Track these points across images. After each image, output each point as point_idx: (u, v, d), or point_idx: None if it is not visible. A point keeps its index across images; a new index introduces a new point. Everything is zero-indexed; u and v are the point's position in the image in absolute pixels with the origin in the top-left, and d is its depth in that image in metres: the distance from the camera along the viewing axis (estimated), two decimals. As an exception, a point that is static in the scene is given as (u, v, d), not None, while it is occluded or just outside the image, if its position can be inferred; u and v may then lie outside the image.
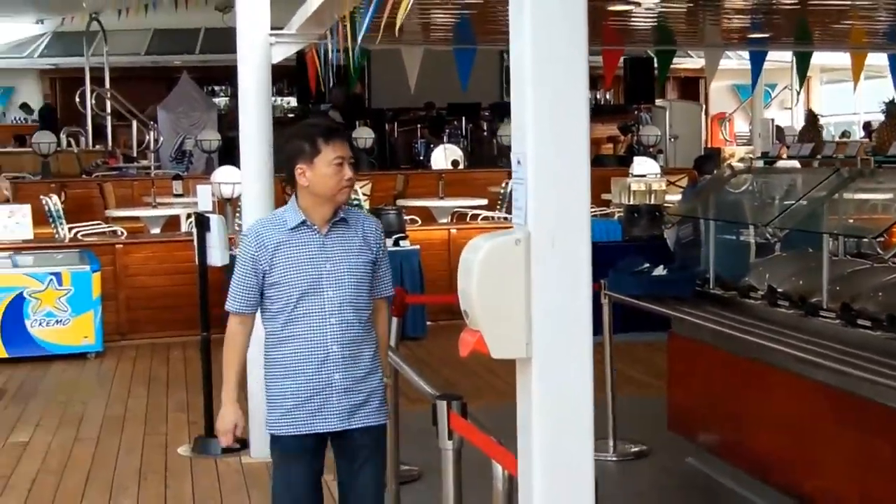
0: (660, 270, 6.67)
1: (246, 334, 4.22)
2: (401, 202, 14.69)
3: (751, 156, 19.12)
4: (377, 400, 4.23)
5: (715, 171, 12.75)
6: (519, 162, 2.51)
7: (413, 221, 12.30)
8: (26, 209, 11.41)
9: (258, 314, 4.26)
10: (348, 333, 4.12)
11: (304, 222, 4.11)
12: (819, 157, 6.53)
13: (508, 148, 13.77)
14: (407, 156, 21.26)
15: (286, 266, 4.09)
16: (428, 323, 11.01)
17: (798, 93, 21.50)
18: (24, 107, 24.77)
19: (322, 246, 4.12)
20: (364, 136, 18.01)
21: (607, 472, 6.77)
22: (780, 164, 8.18)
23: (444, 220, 14.16)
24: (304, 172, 4.09)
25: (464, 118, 21.42)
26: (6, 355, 10.02)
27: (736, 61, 19.35)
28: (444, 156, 18.35)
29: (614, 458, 6.91)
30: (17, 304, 10.03)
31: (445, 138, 20.28)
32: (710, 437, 6.39)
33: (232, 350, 4.21)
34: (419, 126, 21.51)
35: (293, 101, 23.71)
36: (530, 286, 2.47)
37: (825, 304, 5.45)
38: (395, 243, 10.64)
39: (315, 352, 4.11)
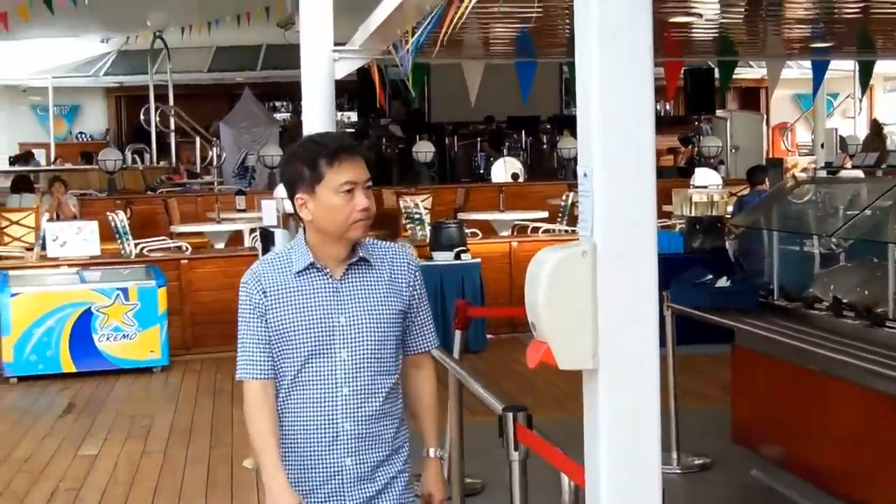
0: (723, 282, 6.64)
1: (272, 399, 3.27)
2: (461, 215, 14.72)
3: (814, 166, 18.95)
4: (401, 484, 3.35)
5: (766, 182, 12.69)
6: (585, 174, 2.52)
7: (474, 235, 12.33)
8: (93, 225, 11.57)
9: None
10: (365, 407, 3.24)
11: (312, 264, 3.24)
12: (884, 166, 6.48)
13: (568, 160, 13.82)
14: (467, 169, 21.30)
15: (289, 319, 3.22)
16: (488, 336, 11.03)
17: (861, 102, 21.28)
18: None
19: (335, 294, 3.24)
20: (424, 149, 18.07)
21: (672, 484, 6.74)
22: (844, 173, 8.14)
23: (505, 233, 14.16)
24: (304, 204, 3.21)
25: (523, 131, 21.42)
26: (74, 370, 10.17)
27: (797, 70, 19.16)
28: (504, 169, 18.36)
29: (678, 471, 6.88)
30: (85, 319, 10.18)
31: (505, 151, 20.30)
32: (775, 449, 6.34)
33: (260, 420, 3.25)
34: (479, 139, 21.53)
35: (354, 116, 23.86)
36: (596, 298, 2.49)
37: (891, 315, 5.40)
38: (457, 256, 10.67)
39: (321, 430, 3.25)
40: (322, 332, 3.21)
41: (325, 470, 3.26)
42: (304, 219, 3.25)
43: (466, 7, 3.90)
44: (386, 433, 3.30)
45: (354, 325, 3.23)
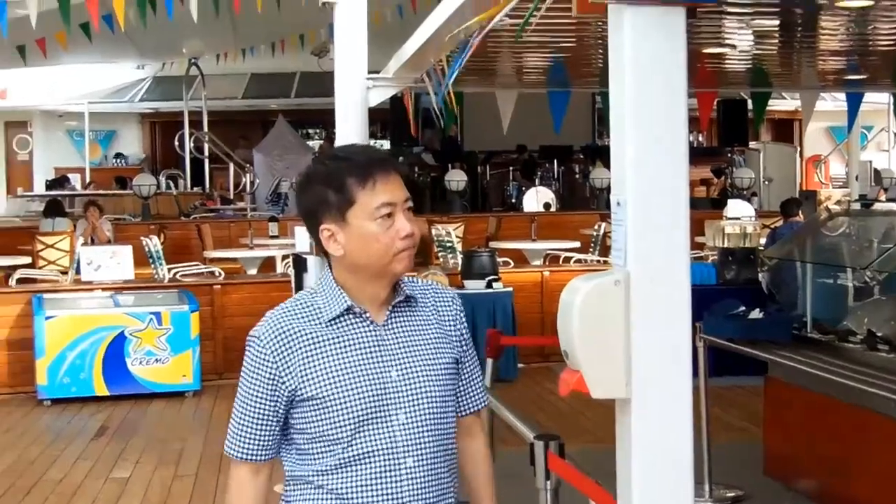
0: (756, 313, 6.62)
1: (263, 489, 2.67)
2: (493, 244, 14.73)
3: (848, 198, 18.85)
4: None
5: (800, 214, 12.64)
6: (619, 203, 2.53)
7: (506, 263, 12.33)
8: (127, 250, 11.65)
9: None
10: (433, 481, 2.60)
11: (349, 309, 2.59)
12: (919, 199, 6.47)
13: (600, 190, 13.84)
14: (499, 198, 21.30)
15: (329, 381, 2.54)
16: (519, 365, 11.01)
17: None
18: (119, 156, 25.40)
19: (381, 343, 2.60)
20: (457, 178, 18.11)
21: (703, 516, 6.70)
22: (878, 206, 8.10)
23: (537, 263, 14.16)
24: (332, 235, 2.58)
25: (556, 160, 21.43)
26: (107, 393, 10.22)
27: (831, 103, 19.13)
28: (537, 198, 18.37)
29: (710, 503, 6.84)
30: (119, 342, 10.24)
31: (537, 181, 20.31)
32: (808, 482, 6.30)
33: None
34: (511, 168, 21.55)
35: (386, 145, 23.94)
36: (630, 327, 2.49)
37: (926, 349, 5.37)
38: (488, 285, 10.67)
39: None
40: (373, 392, 2.54)
41: None
42: (332, 254, 2.61)
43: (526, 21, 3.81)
44: None
45: (410, 379, 2.58)
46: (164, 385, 10.38)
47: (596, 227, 14.87)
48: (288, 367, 2.55)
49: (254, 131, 23.96)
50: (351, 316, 2.60)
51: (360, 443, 2.54)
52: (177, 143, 21.71)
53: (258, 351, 2.58)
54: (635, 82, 2.50)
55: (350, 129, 7.22)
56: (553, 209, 18.15)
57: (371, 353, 2.58)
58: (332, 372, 2.54)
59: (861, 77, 9.34)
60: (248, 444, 2.61)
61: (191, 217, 17.91)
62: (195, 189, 21.87)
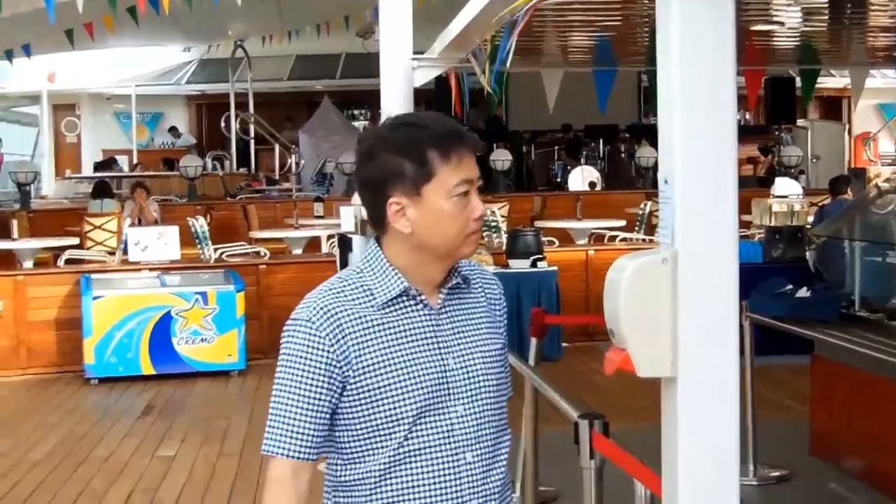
0: (803, 292, 6.57)
1: (305, 495, 2.40)
2: (538, 223, 14.70)
3: (897, 176, 18.65)
4: None
5: (849, 192, 12.52)
6: (666, 181, 2.51)
7: (551, 243, 12.30)
8: (174, 230, 11.73)
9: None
10: (492, 476, 2.44)
11: (405, 291, 2.39)
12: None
13: (646, 169, 13.79)
14: (544, 177, 21.26)
15: (385, 370, 2.32)
16: (564, 344, 11.00)
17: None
18: (173, 130, 25.53)
19: (436, 329, 2.40)
20: (502, 157, 18.08)
21: (748, 496, 6.66)
22: (928, 184, 8.01)
23: (582, 242, 14.12)
24: (402, 210, 2.34)
25: (601, 140, 21.34)
26: (154, 372, 10.33)
27: (880, 80, 18.92)
28: (582, 177, 18.31)
29: (755, 483, 6.80)
30: (165, 322, 10.33)
31: (583, 160, 20.24)
32: (855, 461, 6.26)
33: None
34: (556, 148, 21.49)
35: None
36: (677, 305, 2.48)
37: (976, 328, 5.31)
38: (533, 264, 10.65)
39: None
40: (432, 382, 2.35)
41: None
42: (396, 230, 2.37)
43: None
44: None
45: (468, 368, 2.40)
46: (210, 364, 10.46)
47: (641, 205, 14.81)
48: (343, 354, 2.31)
49: (299, 113, 24.04)
50: (405, 298, 2.38)
51: (417, 438, 2.34)
52: (223, 124, 21.82)
53: (310, 334, 2.31)
54: (682, 60, 2.48)
55: (395, 110, 7.21)
56: (598, 188, 18.08)
57: (428, 339, 2.37)
58: (388, 360, 2.32)
59: (911, 53, 9.23)
60: (294, 439, 2.32)
61: (237, 198, 18.01)
62: (241, 170, 22.00)
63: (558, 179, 20.33)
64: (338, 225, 9.58)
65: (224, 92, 22.43)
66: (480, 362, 2.42)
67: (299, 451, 2.33)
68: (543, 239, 11.48)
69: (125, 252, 11.85)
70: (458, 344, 2.41)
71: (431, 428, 2.34)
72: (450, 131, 2.36)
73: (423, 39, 7.57)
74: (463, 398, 2.38)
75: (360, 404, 2.32)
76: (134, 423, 8.82)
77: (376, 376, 2.31)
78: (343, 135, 21.85)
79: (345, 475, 2.41)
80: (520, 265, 10.65)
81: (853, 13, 7.27)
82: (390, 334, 2.34)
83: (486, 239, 12.87)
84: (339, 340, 2.31)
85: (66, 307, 10.76)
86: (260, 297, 11.29)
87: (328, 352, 2.31)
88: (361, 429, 2.34)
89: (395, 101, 7.21)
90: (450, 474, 2.36)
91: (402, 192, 2.33)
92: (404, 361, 2.33)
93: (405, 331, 2.36)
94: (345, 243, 7.51)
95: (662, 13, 2.53)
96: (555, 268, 10.93)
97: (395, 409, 2.31)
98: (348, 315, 2.33)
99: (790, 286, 6.68)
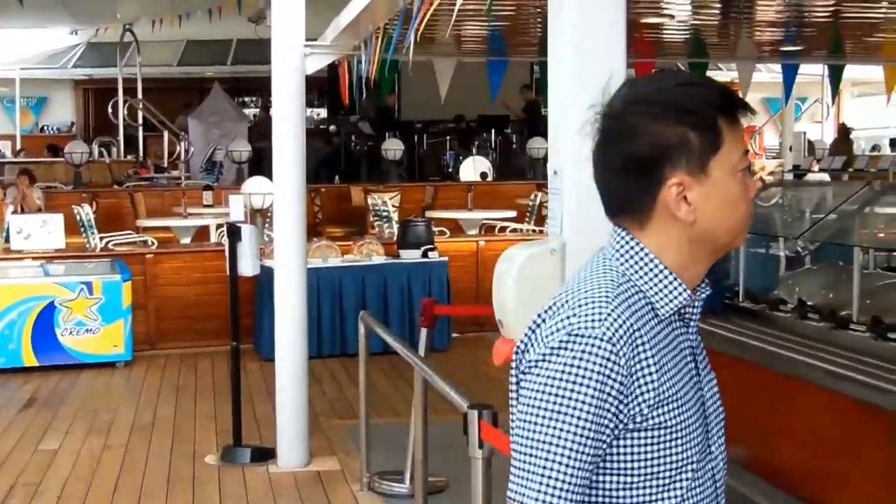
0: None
1: None
2: (429, 213, 14.71)
3: (781, 169, 19.04)
4: None
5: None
6: (555, 172, 2.51)
7: (441, 233, 12.32)
8: (58, 218, 11.49)
9: None
10: None
11: (690, 302, 1.91)
12: (851, 170, 6.53)
13: (537, 160, 13.85)
14: (436, 167, 21.26)
15: (674, 403, 1.79)
16: (454, 335, 11.02)
17: (830, 106, 21.43)
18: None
19: (695, 349, 1.95)
20: (393, 147, 18.04)
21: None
22: (811, 177, 8.19)
23: (473, 232, 14.17)
24: (683, 192, 1.81)
25: (493, 130, 21.43)
26: (36, 363, 10.09)
27: (766, 74, 19.31)
28: (473, 168, 18.36)
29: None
30: (48, 312, 10.10)
31: (474, 150, 20.29)
32: (739, 451, 6.35)
33: None
34: (448, 138, 21.52)
35: (323, 113, 23.80)
36: (565, 296, 2.48)
37: (855, 318, 5.43)
38: (424, 255, 10.66)
39: None
40: (703, 418, 1.88)
41: None
42: (672, 219, 1.83)
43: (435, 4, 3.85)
44: None
45: (715, 398, 1.95)
46: (95, 355, 10.25)
47: (532, 196, 14.91)
48: (637, 386, 1.74)
49: (190, 99, 23.72)
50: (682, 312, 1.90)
51: (695, 489, 1.84)
52: (110, 110, 21.41)
53: (607, 359, 1.72)
54: (574, 52, 2.47)
55: (286, 97, 7.16)
56: (489, 179, 18.15)
57: (688, 363, 1.89)
58: (675, 389, 1.80)
59: (797, 48, 9.40)
60: (566, 493, 1.71)
61: (124, 186, 17.67)
62: (128, 157, 21.60)
63: (450, 169, 20.36)
64: (227, 214, 9.49)
65: (112, 77, 21.99)
66: (718, 391, 1.97)
67: None
68: (434, 229, 11.49)
69: (7, 240, 11.56)
70: (705, 367, 1.95)
71: (702, 474, 1.86)
72: (730, 92, 1.87)
73: (317, 26, 7.51)
74: (715, 437, 1.92)
75: (645, 450, 1.77)
76: (15, 416, 8.60)
77: (663, 414, 1.77)
78: (234, 122, 21.61)
79: None
80: (411, 255, 10.64)
81: (741, 7, 7.39)
82: (671, 356, 1.83)
83: (376, 229, 12.83)
84: (635, 370, 1.75)
85: (-56, 296, 10.45)
86: (147, 286, 11.10)
87: (622, 384, 1.73)
88: (638, 481, 1.79)
89: (286, 89, 7.15)
90: None
91: (684, 170, 1.80)
92: (683, 393, 1.82)
93: (678, 351, 1.86)
94: (234, 233, 7.42)
95: (555, 4, 2.53)
96: (445, 258, 10.94)
97: (678, 449, 1.79)
98: (642, 332, 1.78)
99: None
